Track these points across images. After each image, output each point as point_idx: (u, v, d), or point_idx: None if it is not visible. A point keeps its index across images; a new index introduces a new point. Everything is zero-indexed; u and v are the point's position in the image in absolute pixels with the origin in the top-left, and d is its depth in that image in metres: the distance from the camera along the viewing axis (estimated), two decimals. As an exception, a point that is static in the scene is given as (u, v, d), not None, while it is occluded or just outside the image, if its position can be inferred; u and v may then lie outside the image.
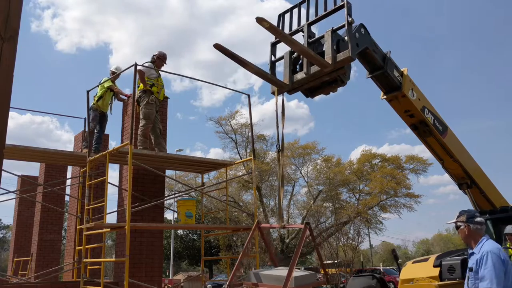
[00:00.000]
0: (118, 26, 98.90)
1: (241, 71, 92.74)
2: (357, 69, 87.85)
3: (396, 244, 71.99)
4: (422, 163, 30.71)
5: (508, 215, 7.27)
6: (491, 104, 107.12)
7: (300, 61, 5.64)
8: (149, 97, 8.21)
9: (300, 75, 5.53)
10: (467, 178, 8.19)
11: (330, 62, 5.12)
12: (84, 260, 7.80)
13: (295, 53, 5.61)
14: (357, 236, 32.65)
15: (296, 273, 5.03)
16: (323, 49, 5.38)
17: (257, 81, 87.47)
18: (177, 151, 30.32)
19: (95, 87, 9.29)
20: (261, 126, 67.47)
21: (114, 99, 9.79)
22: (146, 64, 8.47)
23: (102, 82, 9.55)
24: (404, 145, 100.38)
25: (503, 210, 7.30)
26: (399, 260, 9.28)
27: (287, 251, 29.72)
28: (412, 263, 8.11)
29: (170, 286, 20.47)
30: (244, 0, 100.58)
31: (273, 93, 5.64)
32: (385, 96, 7.03)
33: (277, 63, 5.88)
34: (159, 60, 8.75)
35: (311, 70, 5.38)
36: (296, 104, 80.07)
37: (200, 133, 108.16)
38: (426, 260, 7.82)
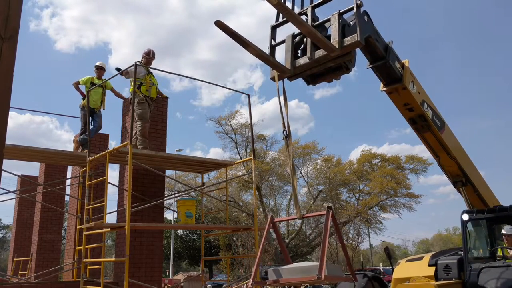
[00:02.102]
0: (117, 25, 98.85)
1: (241, 71, 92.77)
2: (357, 69, 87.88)
3: (396, 244, 72.02)
4: (422, 163, 30.76)
5: (505, 215, 7.13)
6: (491, 103, 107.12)
7: (302, 46, 5.35)
8: (139, 97, 8.25)
9: (303, 60, 5.22)
10: (462, 176, 8.08)
11: (337, 47, 4.90)
12: (84, 260, 7.79)
13: (297, 37, 5.36)
14: (357, 236, 32.72)
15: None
16: (327, 34, 5.15)
17: (257, 81, 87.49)
18: (177, 151, 30.34)
19: (95, 87, 9.29)
20: (261, 126, 67.40)
21: (105, 94, 9.87)
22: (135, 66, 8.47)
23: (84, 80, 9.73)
24: (404, 144, 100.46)
25: (501, 209, 7.19)
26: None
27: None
28: (406, 261, 7.93)
29: (170, 286, 20.46)
30: None
31: (272, 78, 5.36)
32: (385, 88, 6.84)
33: (277, 49, 5.55)
34: (146, 57, 8.70)
35: (315, 55, 5.10)
36: (296, 104, 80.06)
37: (200, 133, 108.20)
38: (420, 259, 7.68)
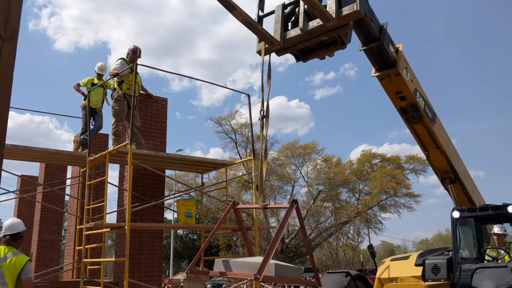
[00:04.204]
0: (116, 25, 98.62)
1: (241, 70, 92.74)
2: (358, 69, 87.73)
3: (396, 244, 72.01)
4: (422, 163, 30.76)
5: (497, 213, 6.72)
6: (491, 103, 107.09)
7: (294, 18, 4.91)
8: (117, 95, 8.21)
9: (294, 32, 4.75)
10: (450, 173, 7.87)
11: (334, 16, 4.46)
12: (84, 260, 7.80)
13: (288, 8, 4.96)
14: (357, 236, 32.72)
15: (278, 262, 4.39)
16: (323, 4, 4.72)
17: (257, 81, 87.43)
18: (177, 151, 30.34)
19: (95, 87, 9.29)
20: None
21: (106, 94, 9.88)
22: (119, 62, 8.42)
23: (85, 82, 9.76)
24: (405, 144, 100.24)
25: (494, 208, 6.79)
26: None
27: (287, 251, 29.72)
28: (391, 260, 7.53)
29: (170, 286, 20.46)
30: None
31: (259, 52, 4.88)
32: (377, 73, 6.49)
33: (265, 21, 5.04)
34: (131, 55, 8.58)
35: (308, 26, 4.64)
36: (296, 104, 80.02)
37: (200, 132, 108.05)
38: (406, 258, 7.33)
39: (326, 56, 5.18)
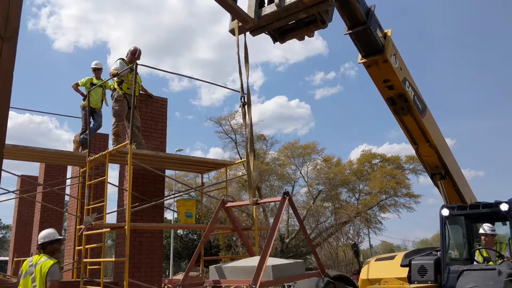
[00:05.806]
0: (116, 24, 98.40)
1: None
2: (358, 69, 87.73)
3: (396, 244, 71.95)
4: (422, 163, 30.77)
5: (489, 212, 6.32)
6: (491, 103, 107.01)
7: None
8: (117, 94, 8.22)
9: (269, 8, 4.33)
10: (441, 168, 7.56)
11: None
12: (84, 260, 7.80)
13: None
14: (357, 236, 32.69)
15: (275, 261, 4.06)
16: None
17: (257, 81, 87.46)
18: (177, 151, 30.36)
19: (95, 87, 9.29)
20: (261, 126, 67.36)
21: (105, 94, 9.87)
22: (118, 62, 8.43)
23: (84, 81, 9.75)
24: (405, 144, 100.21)
25: (486, 205, 6.35)
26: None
27: (287, 251, 29.70)
28: (375, 261, 7.14)
29: (170, 286, 20.45)
30: None
31: (232, 31, 4.48)
32: (363, 60, 6.10)
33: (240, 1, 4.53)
34: (130, 56, 8.60)
35: (285, 1, 4.20)
36: (297, 104, 79.94)
37: (200, 132, 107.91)
38: (392, 258, 6.96)
39: (306, 37, 4.76)
